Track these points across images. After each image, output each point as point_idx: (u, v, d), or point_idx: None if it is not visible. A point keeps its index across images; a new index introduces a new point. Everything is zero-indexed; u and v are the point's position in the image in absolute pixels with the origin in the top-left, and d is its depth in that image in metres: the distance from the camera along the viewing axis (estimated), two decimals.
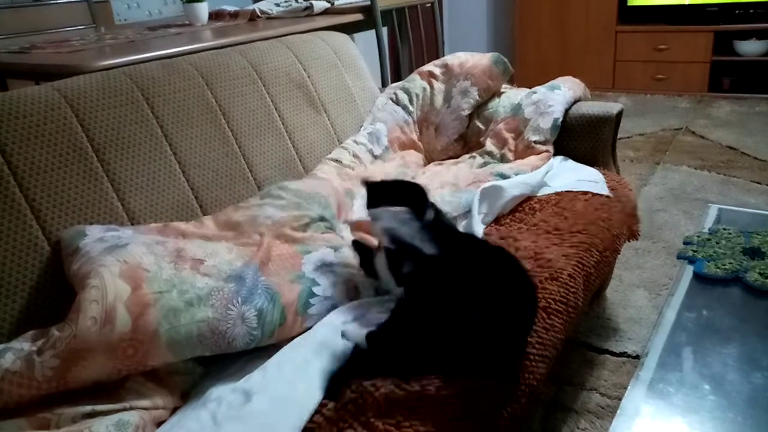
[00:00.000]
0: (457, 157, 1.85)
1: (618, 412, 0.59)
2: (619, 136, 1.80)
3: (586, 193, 1.54)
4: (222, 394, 0.90)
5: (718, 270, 0.86)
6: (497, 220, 1.43)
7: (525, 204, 1.50)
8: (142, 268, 0.96)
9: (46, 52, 1.91)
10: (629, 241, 1.61)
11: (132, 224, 1.23)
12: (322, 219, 1.25)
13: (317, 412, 0.86)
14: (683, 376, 0.66)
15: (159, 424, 0.87)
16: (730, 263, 0.86)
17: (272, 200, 1.29)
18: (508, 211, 1.47)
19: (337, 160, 1.67)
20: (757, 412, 0.59)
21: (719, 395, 0.63)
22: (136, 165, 1.29)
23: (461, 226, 1.39)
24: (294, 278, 1.08)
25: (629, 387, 0.63)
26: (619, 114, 1.76)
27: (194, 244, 1.12)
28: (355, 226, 1.32)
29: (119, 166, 1.26)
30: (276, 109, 1.65)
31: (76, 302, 0.87)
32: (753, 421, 0.58)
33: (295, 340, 1.00)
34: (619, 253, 1.58)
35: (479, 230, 1.34)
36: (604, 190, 1.56)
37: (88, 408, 0.81)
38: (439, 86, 1.94)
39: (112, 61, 1.65)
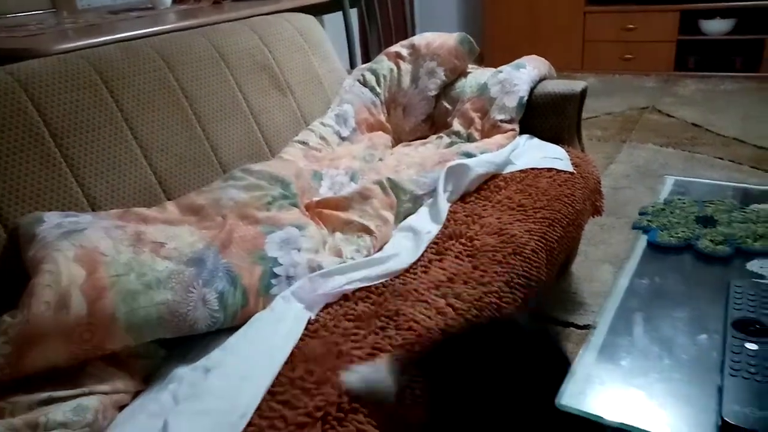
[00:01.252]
0: (425, 138, 1.85)
1: (568, 377, 0.61)
2: (586, 115, 1.82)
3: (550, 170, 1.56)
4: (183, 374, 0.90)
5: (671, 238, 0.88)
6: (463, 198, 1.44)
7: (490, 182, 1.52)
8: (99, 252, 0.94)
9: (0, 36, 1.86)
10: (593, 216, 1.64)
11: (93, 210, 1.21)
12: (284, 197, 1.24)
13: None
14: (633, 340, 0.68)
15: (121, 408, 0.87)
16: (683, 231, 0.88)
17: (235, 182, 1.28)
18: (473, 189, 1.48)
19: (303, 143, 1.66)
20: (701, 372, 0.61)
21: (667, 357, 0.65)
22: (96, 150, 1.27)
23: (427, 204, 1.40)
24: (256, 259, 1.08)
25: (580, 352, 0.64)
26: (583, 92, 1.78)
27: (155, 228, 1.11)
28: (320, 204, 1.32)
29: (78, 152, 1.23)
30: (240, 91, 1.63)
31: (28, 287, 0.85)
32: (698, 380, 0.60)
33: (254, 316, 1.00)
34: (582, 229, 1.60)
35: (444, 208, 1.35)
36: (568, 167, 1.58)
37: (45, 395, 0.80)
38: (406, 67, 1.93)
39: (68, 45, 1.61)
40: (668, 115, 3.32)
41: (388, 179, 1.41)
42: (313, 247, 1.16)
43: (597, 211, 1.64)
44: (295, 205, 1.25)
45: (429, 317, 1.02)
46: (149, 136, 1.37)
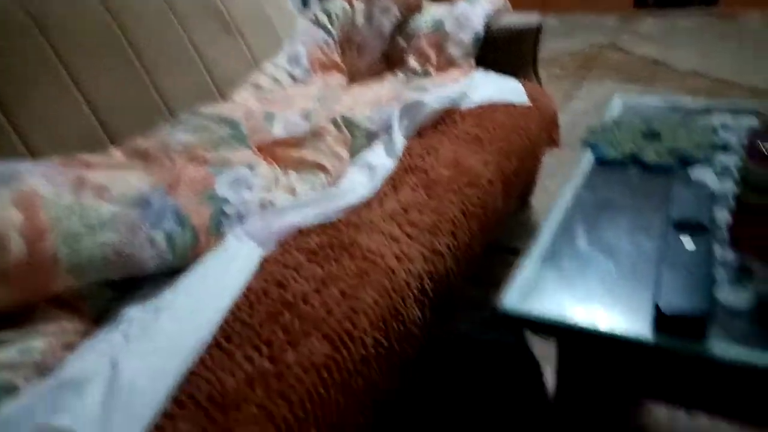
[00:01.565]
0: (381, 76, 1.82)
1: (510, 283, 0.61)
2: (546, 55, 1.81)
3: (507, 104, 1.55)
4: (135, 314, 0.88)
5: (617, 153, 0.88)
6: (419, 133, 1.43)
7: (447, 117, 1.50)
8: (39, 195, 0.91)
9: None
10: (550, 148, 1.65)
11: (34, 159, 1.17)
12: (234, 138, 1.21)
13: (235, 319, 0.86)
14: (576, 247, 0.69)
15: (71, 349, 0.85)
16: (630, 147, 0.88)
17: (183, 125, 1.24)
18: (429, 125, 1.46)
19: (255, 85, 1.61)
20: (641, 271, 0.62)
21: (609, 260, 0.66)
22: (34, 98, 1.20)
23: (382, 140, 1.38)
24: (205, 199, 1.05)
25: (522, 259, 0.64)
26: (539, 26, 1.76)
27: (99, 173, 1.07)
28: (272, 144, 1.29)
29: (14, 100, 1.17)
30: (188, 36, 1.56)
31: None
32: (637, 279, 0.61)
33: (206, 256, 0.98)
34: (540, 161, 1.61)
35: (400, 143, 1.34)
36: (524, 101, 1.57)
37: None
38: (359, 5, 1.88)
39: None
40: (628, 53, 3.32)
41: (342, 117, 1.38)
42: (265, 185, 1.14)
43: (554, 142, 1.64)
44: (245, 146, 1.22)
45: (384, 245, 1.02)
46: (91, 84, 1.31)
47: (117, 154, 1.21)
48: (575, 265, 0.65)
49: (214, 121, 1.25)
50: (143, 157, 1.19)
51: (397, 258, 1.01)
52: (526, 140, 1.46)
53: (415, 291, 0.99)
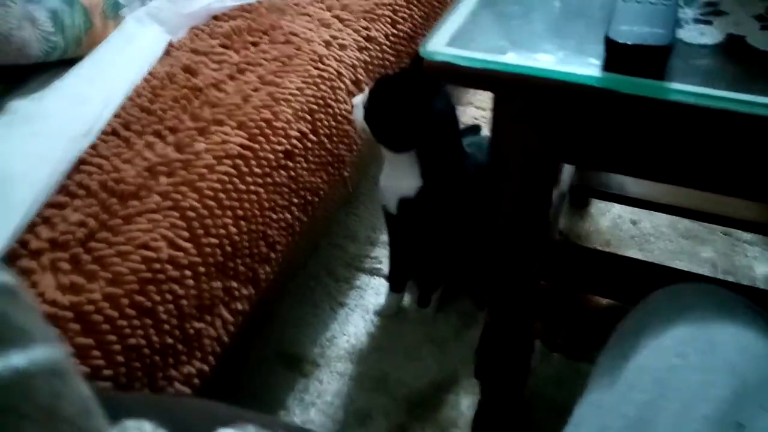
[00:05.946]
0: None
1: (436, 27, 0.50)
2: None
3: None
4: (18, 105, 0.76)
5: None
6: None
7: None
8: None
9: None
10: None
11: None
12: None
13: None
14: None
15: None
16: None
17: None
18: None
19: None
20: (596, 14, 0.52)
21: (558, 1, 0.55)
22: None
23: None
24: None
25: (454, 3, 0.53)
26: None
27: None
28: None
29: None
30: None
31: None
32: (591, 21, 0.51)
33: (104, 41, 0.84)
34: None
35: None
36: None
37: None
38: None
39: None
40: None
41: None
42: None
43: None
44: None
45: (311, 29, 0.89)
46: None
47: None
48: (517, 7, 0.54)
49: None
50: None
51: (327, 44, 0.88)
52: None
53: (348, 82, 0.88)
